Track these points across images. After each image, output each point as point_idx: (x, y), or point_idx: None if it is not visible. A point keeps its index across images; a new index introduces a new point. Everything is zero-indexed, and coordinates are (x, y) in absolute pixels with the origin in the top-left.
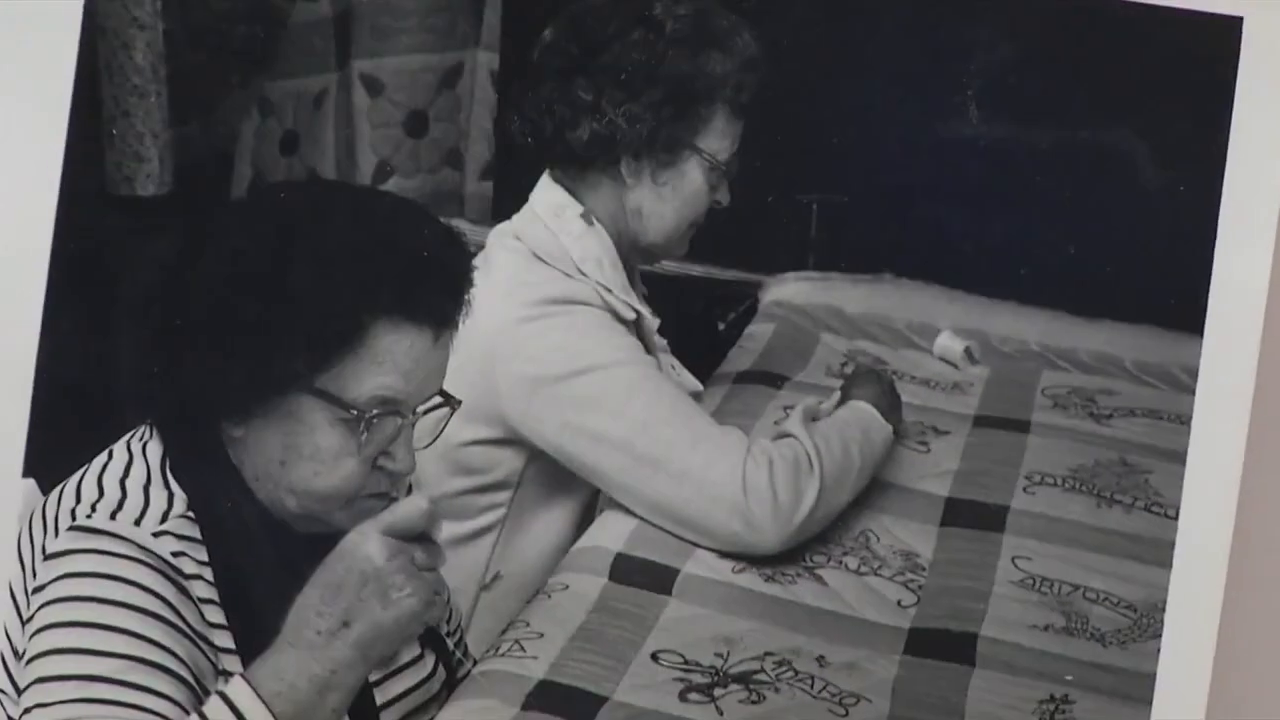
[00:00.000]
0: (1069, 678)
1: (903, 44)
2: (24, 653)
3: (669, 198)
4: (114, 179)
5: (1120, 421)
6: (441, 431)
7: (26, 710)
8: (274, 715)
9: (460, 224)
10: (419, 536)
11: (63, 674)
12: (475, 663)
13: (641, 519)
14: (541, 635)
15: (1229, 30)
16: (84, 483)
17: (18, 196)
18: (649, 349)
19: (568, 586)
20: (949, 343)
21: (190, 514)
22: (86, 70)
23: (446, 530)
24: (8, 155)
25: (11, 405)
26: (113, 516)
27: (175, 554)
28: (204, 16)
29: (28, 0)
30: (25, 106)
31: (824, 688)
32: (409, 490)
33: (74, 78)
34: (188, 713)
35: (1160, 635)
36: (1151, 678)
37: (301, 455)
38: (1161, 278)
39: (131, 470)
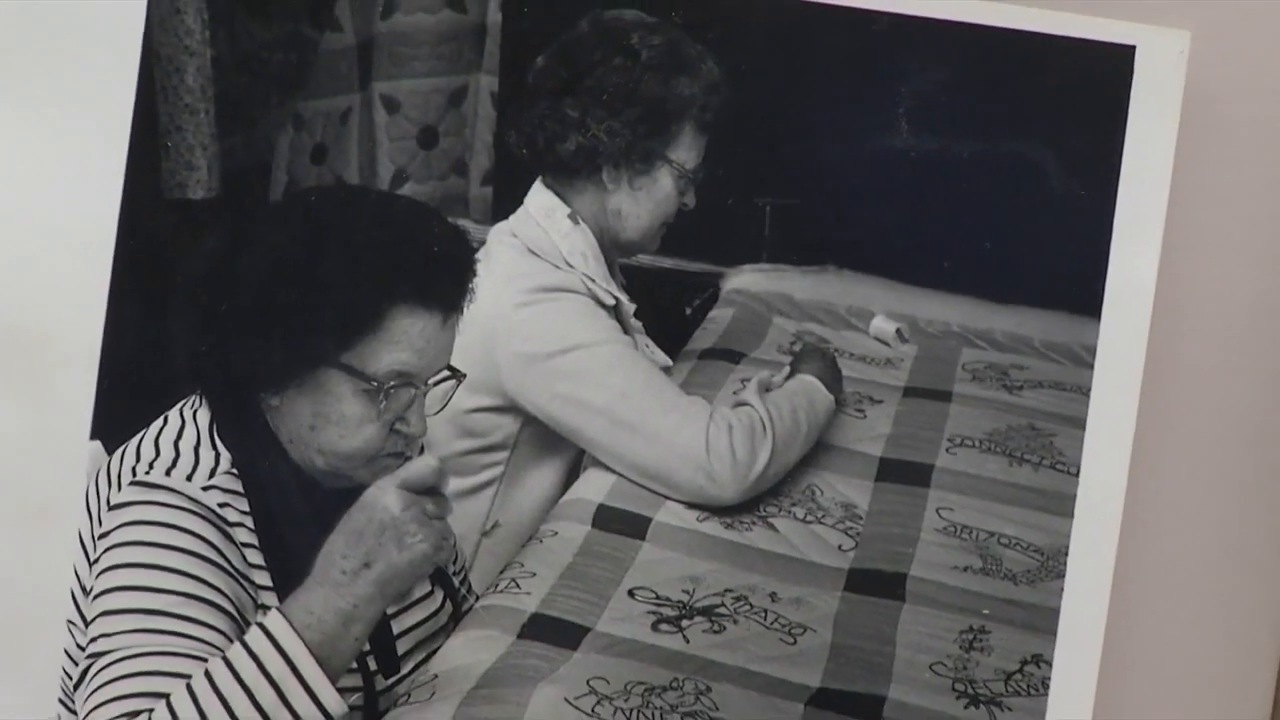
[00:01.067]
0: (985, 611)
1: (845, 70)
2: (91, 590)
3: (644, 201)
4: (169, 184)
5: (1029, 392)
6: (449, 400)
7: (93, 639)
8: (305, 643)
9: (465, 223)
10: (430, 490)
11: (124, 608)
12: (478, 598)
13: (620, 475)
14: (534, 575)
15: (1124, 57)
16: (143, 444)
17: (87, 199)
18: (626, 330)
19: (557, 533)
20: (883, 325)
21: (234, 471)
22: (145, 91)
23: (453, 485)
24: (79, 164)
25: (81, 378)
26: (168, 473)
27: (221, 505)
28: (246, 45)
29: (95, 31)
30: (93, 122)
31: (775, 620)
32: (421, 450)
33: (135, 97)
34: (231, 641)
35: (1063, 575)
36: (1056, 611)
37: (329, 421)
38: (1065, 269)
39: (184, 433)
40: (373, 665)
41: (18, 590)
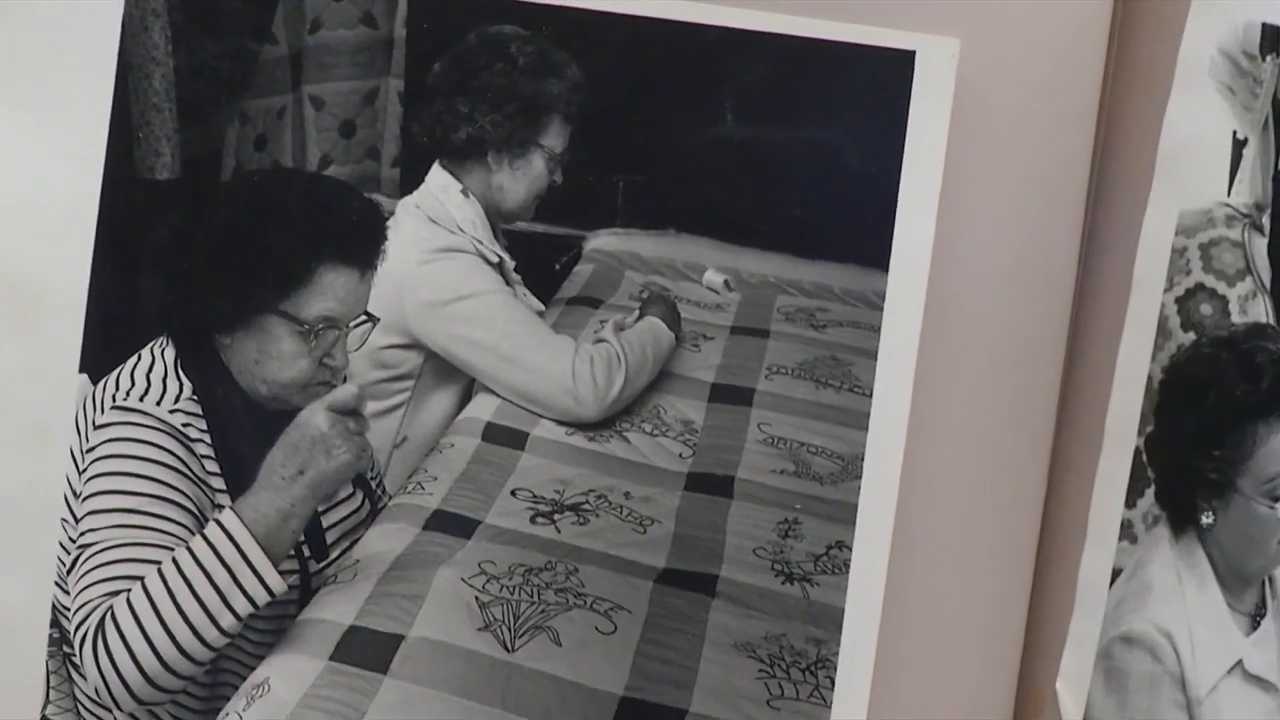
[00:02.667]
0: (798, 506)
1: (682, 72)
2: (80, 493)
3: (521, 179)
4: (140, 168)
5: (832, 330)
6: (366, 340)
7: (81, 533)
8: (253, 535)
9: (378, 197)
10: (351, 411)
11: (107, 508)
12: (390, 498)
13: (503, 399)
14: (436, 479)
15: (906, 60)
16: (121, 376)
17: (75, 180)
18: (508, 282)
19: (454, 445)
20: (713, 277)
21: (194, 397)
22: (120, 93)
23: (370, 407)
24: (68, 152)
25: (71, 323)
26: (141, 399)
27: (184, 424)
28: (201, 56)
29: (79, 45)
30: (79, 118)
31: (629, 514)
32: (344, 380)
33: (112, 98)
34: (193, 534)
35: (860, 477)
36: (854, 506)
37: (270, 357)
38: (860, 231)
39: (154, 367)
40: (307, 552)
41: (21, 496)
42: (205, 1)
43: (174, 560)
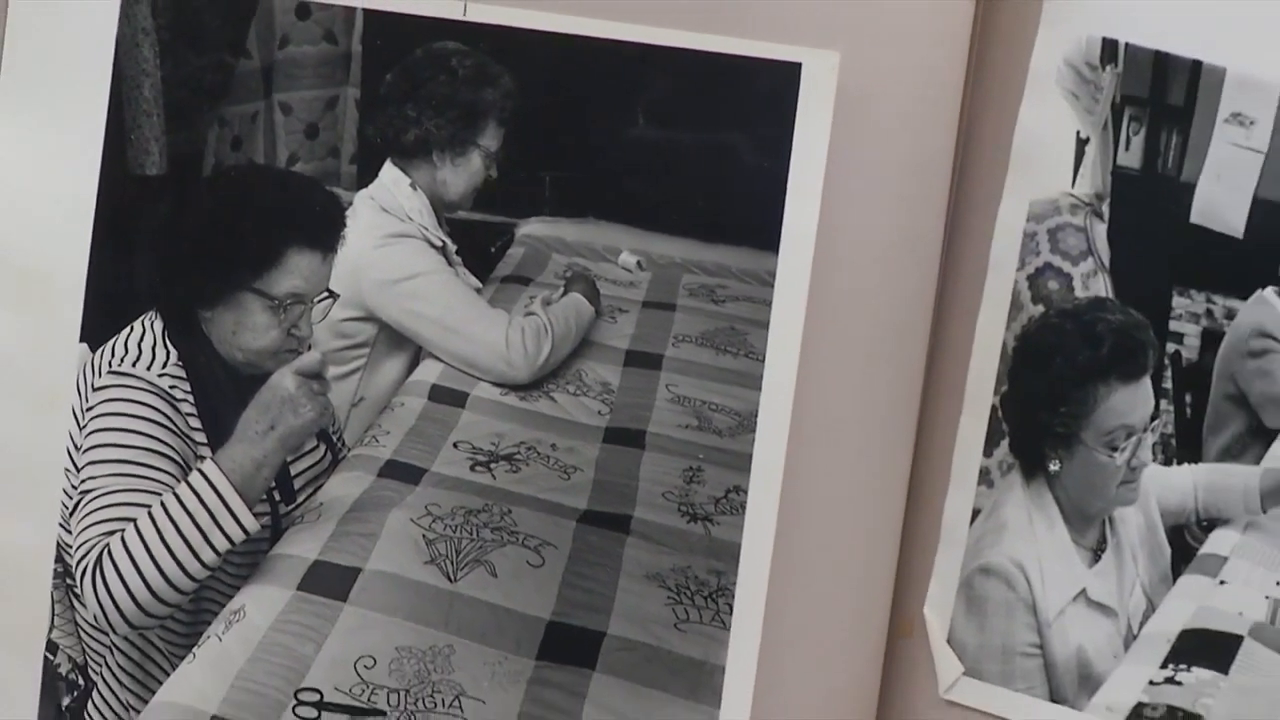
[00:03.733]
0: (700, 456)
1: (602, 81)
2: (81, 446)
3: (461, 174)
4: (132, 165)
5: (730, 304)
6: (327, 313)
7: (82, 481)
8: (230, 482)
9: (339, 190)
10: (315, 375)
11: (104, 459)
12: (349, 450)
13: (447, 364)
14: (388, 433)
15: (793, 71)
16: (116, 345)
17: (76, 176)
18: (450, 263)
19: (404, 404)
20: (627, 258)
21: (180, 364)
22: (115, 100)
23: (331, 371)
24: (69, 151)
25: (73, 300)
26: (134, 365)
27: (171, 387)
28: (185, 69)
29: (78, 59)
30: (79, 123)
31: (555, 462)
32: (309, 348)
33: (107, 105)
34: (179, 482)
35: (754, 430)
36: (749, 456)
37: (245, 328)
38: (755, 219)
39: (145, 337)
40: (277, 497)
41: (29, 449)
42: (188, 21)
43: (162, 504)
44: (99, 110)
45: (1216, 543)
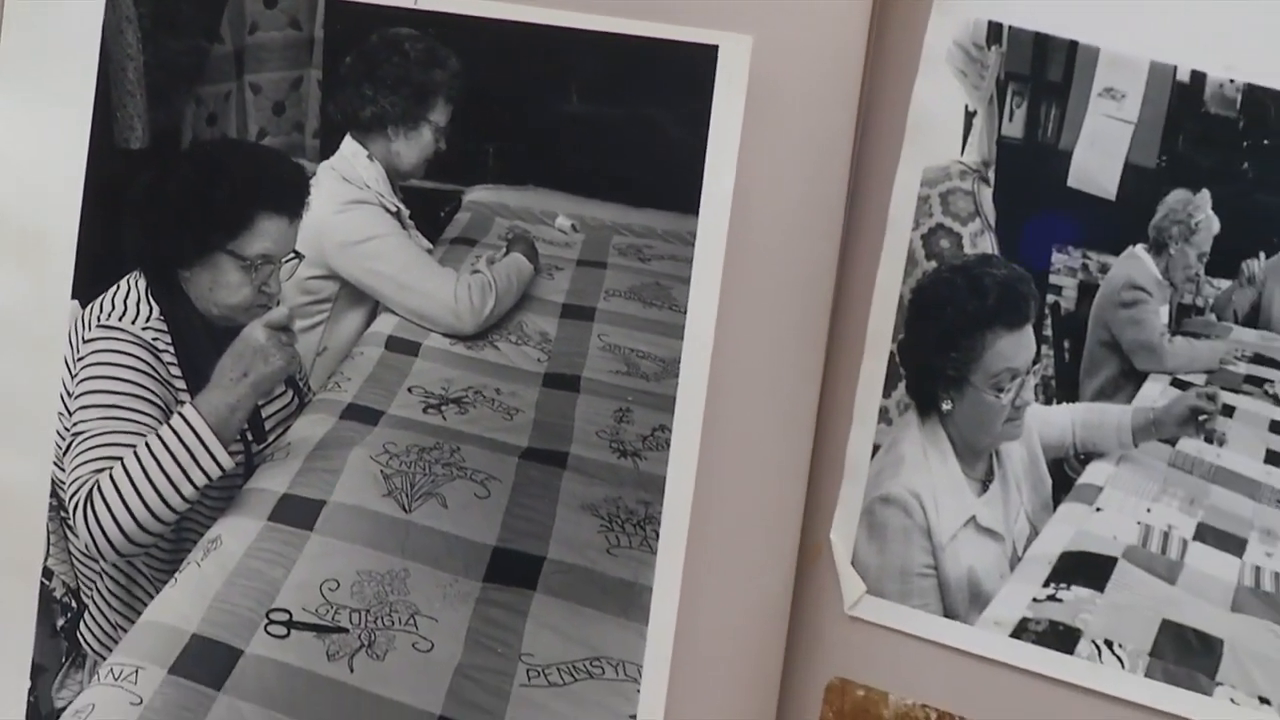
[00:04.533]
0: (629, 398)
1: (539, 62)
2: (73, 393)
3: (413, 147)
4: (118, 139)
5: (655, 262)
6: (294, 272)
7: (74, 424)
8: (207, 424)
9: (303, 162)
10: (283, 327)
11: (94, 404)
12: (314, 394)
13: (401, 317)
14: (349, 379)
15: (711, 53)
16: (104, 301)
17: (67, 147)
18: (404, 227)
19: (363, 353)
20: (563, 221)
21: (162, 318)
22: (102, 81)
23: (298, 324)
24: (62, 126)
25: (65, 260)
26: (120, 319)
27: (154, 339)
28: (165, 53)
29: (70, 44)
30: (71, 101)
31: (499, 405)
32: (278, 303)
33: (95, 86)
34: (161, 423)
35: (677, 375)
36: (673, 398)
37: (220, 285)
38: (677, 185)
39: (130, 294)
40: (249, 437)
41: (26, 395)
42: (167, 9)
43: (146, 444)
44: (87, 90)
45: (1092, 474)
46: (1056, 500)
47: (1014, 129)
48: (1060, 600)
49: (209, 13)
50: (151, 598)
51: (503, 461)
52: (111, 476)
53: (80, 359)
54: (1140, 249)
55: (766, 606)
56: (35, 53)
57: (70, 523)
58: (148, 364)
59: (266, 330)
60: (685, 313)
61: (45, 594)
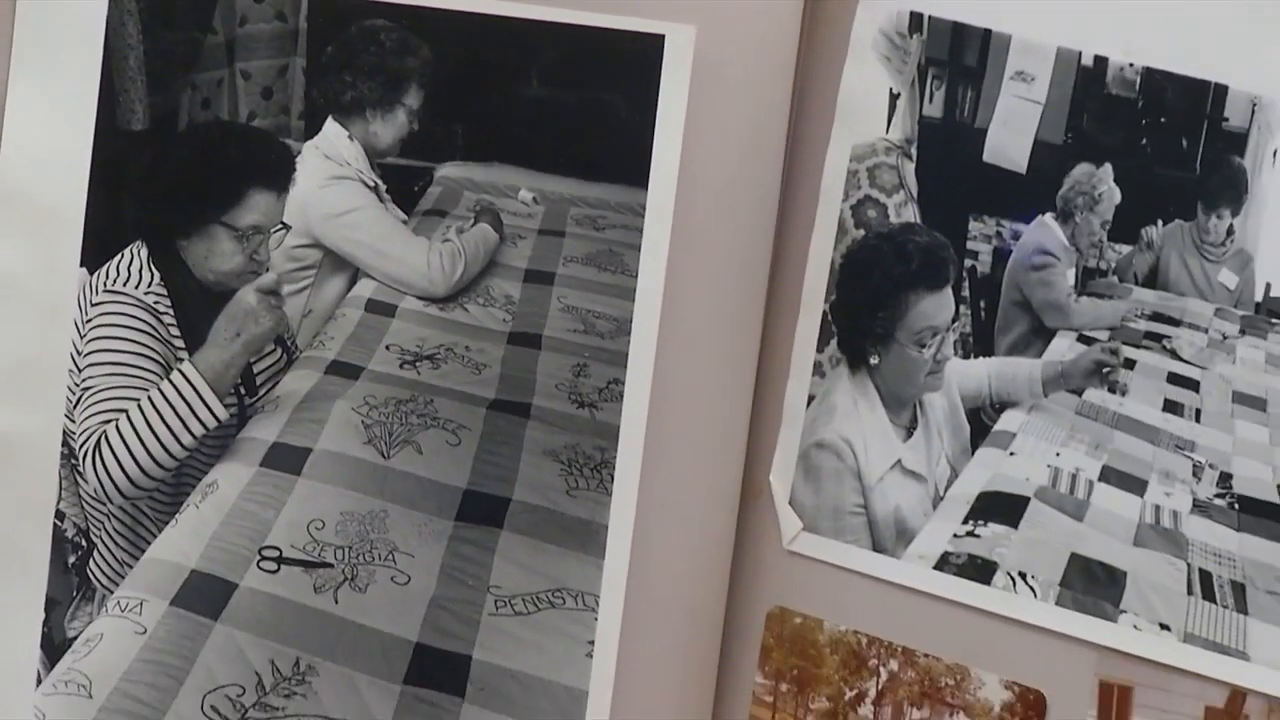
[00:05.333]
0: (586, 354)
1: (503, 50)
2: (81, 352)
3: (390, 127)
4: (121, 122)
5: (609, 230)
6: (282, 242)
7: (83, 380)
8: (204, 379)
9: (290, 141)
10: (272, 291)
11: (100, 361)
12: (300, 352)
13: (379, 282)
14: (333, 338)
15: (658, 41)
16: (109, 268)
17: (75, 128)
18: (381, 200)
19: (345, 314)
20: (525, 194)
21: (162, 284)
22: (106, 70)
23: (285, 288)
24: (70, 110)
25: (74, 231)
26: (124, 285)
27: (155, 302)
28: (163, 43)
29: (78, 38)
30: (78, 86)
31: (468, 361)
32: (267, 270)
33: (100, 74)
34: (162, 379)
35: (629, 332)
36: (626, 354)
37: (215, 254)
38: (629, 161)
39: (133, 262)
40: (242, 391)
41: (39, 355)
42: (164, 4)
43: (149, 398)
44: (93, 77)
45: (1007, 421)
46: (974, 445)
47: (934, 109)
48: (978, 536)
49: (203, 6)
50: (154, 537)
51: (472, 412)
52: (117, 427)
53: (88, 321)
54: (1049, 217)
55: (712, 542)
56: (45, 45)
57: (80, 470)
58: (149, 325)
59: (257, 294)
60: (636, 277)
61: (58, 534)
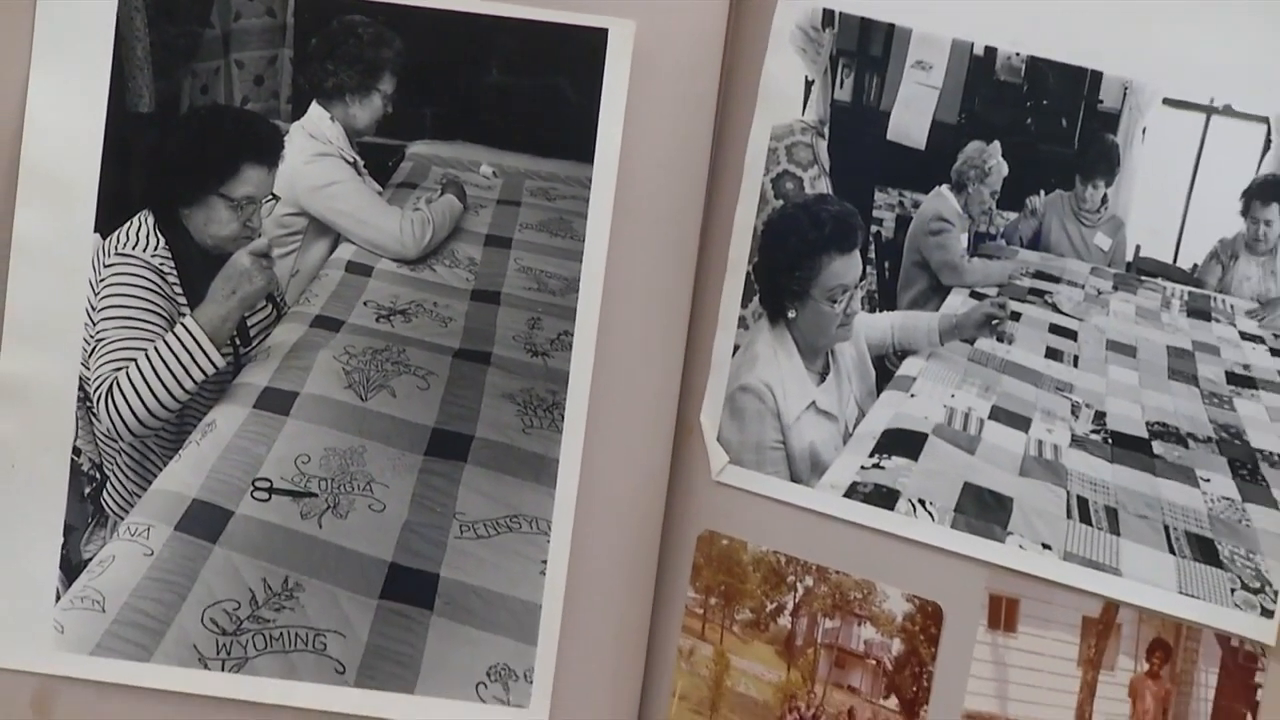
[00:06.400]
0: (539, 309)
1: (466, 41)
2: (96, 307)
3: (367, 110)
4: (130, 104)
5: (559, 200)
6: (273, 210)
7: (97, 332)
8: (204, 331)
9: (279, 123)
10: (264, 255)
11: (112, 315)
12: (289, 307)
13: (358, 246)
14: (316, 295)
15: (603, 34)
16: (120, 234)
17: (90, 111)
18: (359, 174)
19: (328, 274)
20: (486, 169)
21: (166, 248)
22: (116, 59)
23: (275, 251)
24: (86, 94)
25: (89, 201)
26: (133, 249)
27: (160, 264)
28: (166, 36)
29: (92, 31)
30: (92, 73)
31: (436, 315)
32: (259, 235)
33: (111, 61)
34: (167, 331)
35: (578, 291)
36: (574, 309)
37: (213, 221)
38: (577, 140)
39: (141, 229)
40: (238, 342)
41: (58, 311)
42: (168, 1)
43: (155, 348)
44: (105, 65)
45: (908, 367)
46: (879, 388)
47: (844, 94)
48: (883, 468)
49: (202, 3)
50: (160, 470)
51: (439, 360)
52: (127, 374)
53: (101, 280)
54: (945, 188)
55: (650, 474)
56: (62, 38)
57: (94, 411)
58: (156, 284)
59: (251, 257)
60: (583, 241)
61: (74, 468)
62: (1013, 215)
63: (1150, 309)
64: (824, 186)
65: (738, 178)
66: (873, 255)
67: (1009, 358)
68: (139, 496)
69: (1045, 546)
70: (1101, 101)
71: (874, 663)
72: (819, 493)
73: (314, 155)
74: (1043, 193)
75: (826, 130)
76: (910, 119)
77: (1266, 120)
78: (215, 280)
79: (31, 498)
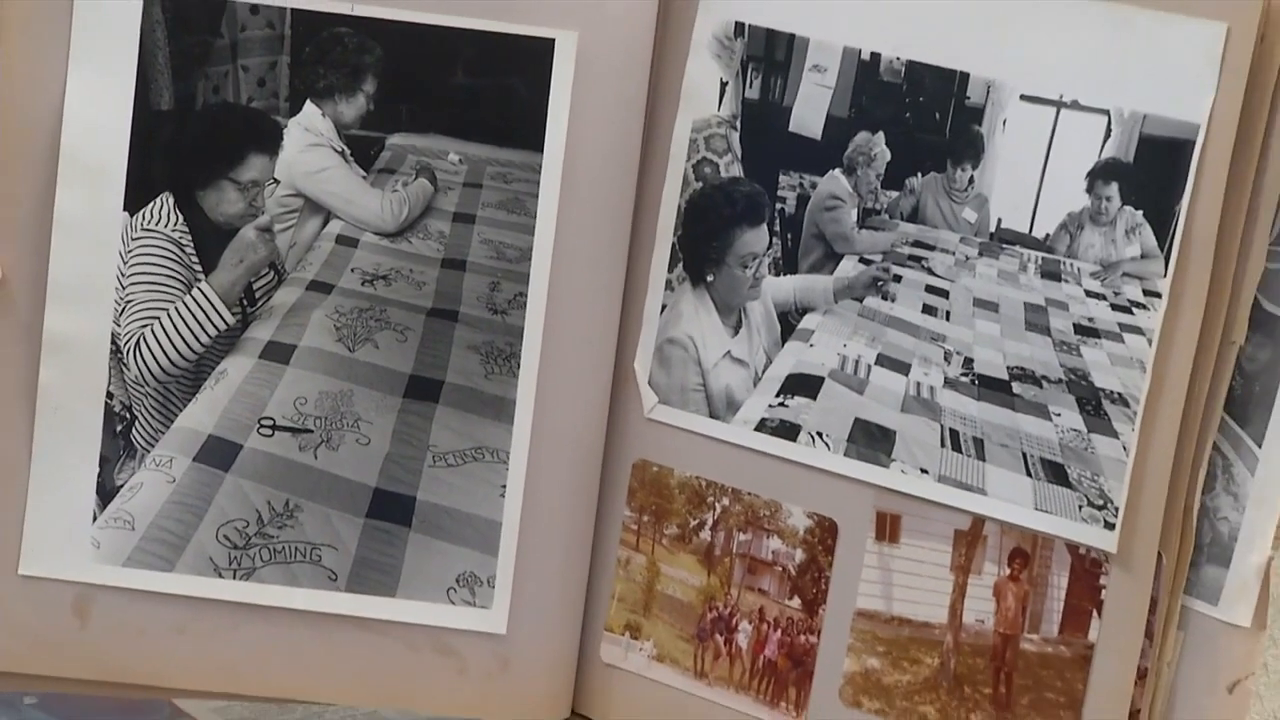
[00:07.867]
0: (499, 275)
1: (436, 48)
2: (124, 274)
3: (352, 107)
4: (152, 103)
5: (515, 183)
6: (274, 192)
7: (126, 296)
8: (217, 294)
9: (279, 119)
10: (267, 229)
11: (139, 282)
12: (288, 274)
13: (346, 222)
14: (312, 264)
15: (550, 43)
16: (145, 212)
17: (118, 108)
18: (347, 162)
19: (320, 246)
20: (453, 157)
21: (185, 224)
22: (140, 63)
23: (276, 227)
24: (114, 95)
25: (118, 183)
26: (156, 224)
27: (179, 238)
28: (183, 44)
29: (119, 39)
30: (119, 77)
31: (411, 280)
32: (263, 213)
33: (136, 69)
34: (185, 294)
35: (530, 260)
36: (528, 275)
37: (224, 202)
38: (530, 133)
39: (163, 208)
40: (245, 303)
41: (93, 277)
42: (184, 15)
43: (175, 309)
44: (131, 70)
45: (808, 322)
46: (784, 340)
47: (753, 93)
48: (787, 406)
49: (213, 17)
50: (181, 411)
51: (415, 318)
52: (152, 330)
53: (129, 252)
54: (837, 172)
55: (592, 412)
56: (95, 46)
57: (125, 361)
58: (176, 254)
59: (255, 231)
60: (535, 218)
61: (108, 410)
62: (894, 194)
63: (1010, 272)
64: (736, 170)
65: (664, 164)
66: (778, 228)
67: (892, 313)
68: (163, 433)
69: (923, 471)
70: (969, 98)
71: (780, 569)
72: (734, 427)
73: (308, 145)
74: (919, 175)
75: (738, 123)
76: (808, 114)
77: (1107, 113)
78: (226, 251)
79: (72, 435)
